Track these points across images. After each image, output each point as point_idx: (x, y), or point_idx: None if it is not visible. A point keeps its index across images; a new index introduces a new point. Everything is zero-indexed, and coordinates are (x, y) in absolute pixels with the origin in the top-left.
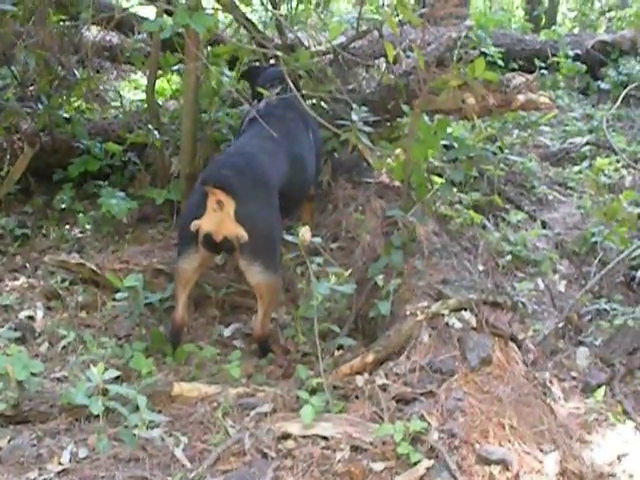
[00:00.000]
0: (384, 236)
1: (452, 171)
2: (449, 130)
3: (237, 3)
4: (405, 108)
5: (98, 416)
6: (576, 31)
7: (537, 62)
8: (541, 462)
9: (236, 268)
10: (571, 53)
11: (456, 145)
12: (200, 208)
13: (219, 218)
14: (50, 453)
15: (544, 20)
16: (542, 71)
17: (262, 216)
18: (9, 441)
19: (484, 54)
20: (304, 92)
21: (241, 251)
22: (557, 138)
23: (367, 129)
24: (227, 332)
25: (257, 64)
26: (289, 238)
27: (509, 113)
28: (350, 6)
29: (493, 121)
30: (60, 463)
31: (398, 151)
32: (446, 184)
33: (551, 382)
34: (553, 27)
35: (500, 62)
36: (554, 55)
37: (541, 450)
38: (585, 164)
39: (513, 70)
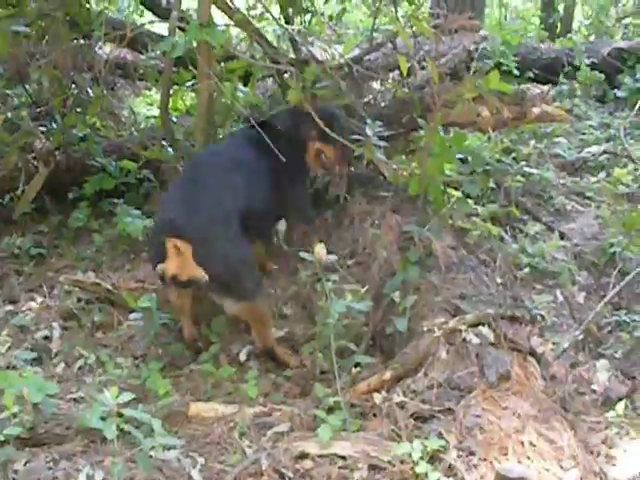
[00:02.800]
0: (400, 251)
1: (468, 184)
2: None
3: (250, 19)
4: (421, 122)
5: (112, 439)
6: (592, 38)
7: (558, 74)
8: (561, 479)
9: None
10: (587, 61)
11: (470, 158)
12: (161, 253)
13: (180, 262)
14: (66, 476)
15: (560, 28)
16: (561, 81)
17: (220, 254)
18: (25, 464)
19: (499, 64)
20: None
21: (209, 289)
22: (574, 147)
23: (382, 143)
24: (242, 356)
25: None
26: (305, 256)
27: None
28: (364, 18)
29: (509, 133)
30: None
31: (413, 165)
32: (462, 198)
33: (571, 396)
34: (569, 35)
35: (515, 71)
36: (570, 63)
37: (561, 467)
38: (603, 174)
39: (529, 79)
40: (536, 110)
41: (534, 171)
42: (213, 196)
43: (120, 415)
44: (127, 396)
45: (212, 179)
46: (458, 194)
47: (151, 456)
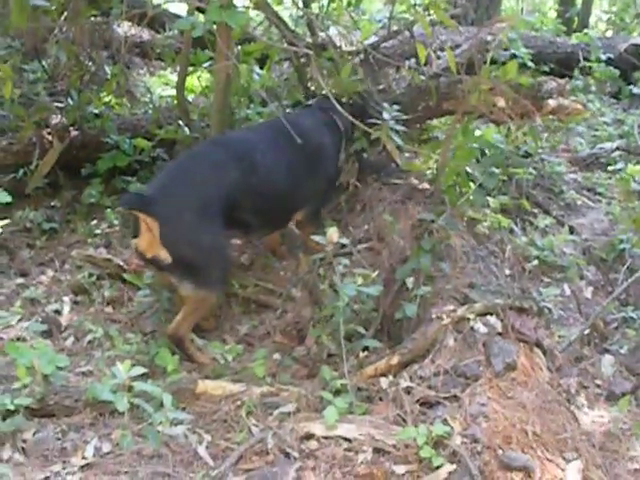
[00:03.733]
0: (413, 239)
1: (486, 177)
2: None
3: (269, 1)
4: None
5: (123, 412)
6: (609, 34)
7: (574, 69)
8: (563, 470)
9: (262, 267)
10: (603, 57)
11: (487, 150)
12: (137, 227)
13: (149, 239)
14: (74, 447)
15: (577, 22)
16: (575, 76)
17: (188, 239)
18: (34, 434)
19: (515, 56)
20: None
21: (169, 271)
22: (587, 143)
23: (399, 128)
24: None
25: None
26: (317, 239)
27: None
28: (381, 5)
29: (523, 125)
30: (84, 457)
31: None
32: (479, 189)
33: (575, 389)
34: (585, 30)
35: (531, 64)
36: (586, 58)
37: (564, 458)
38: (614, 170)
39: (544, 73)
40: (552, 103)
41: (551, 158)
42: (193, 179)
43: (130, 389)
44: (138, 370)
45: (199, 163)
46: (473, 186)
47: (158, 431)
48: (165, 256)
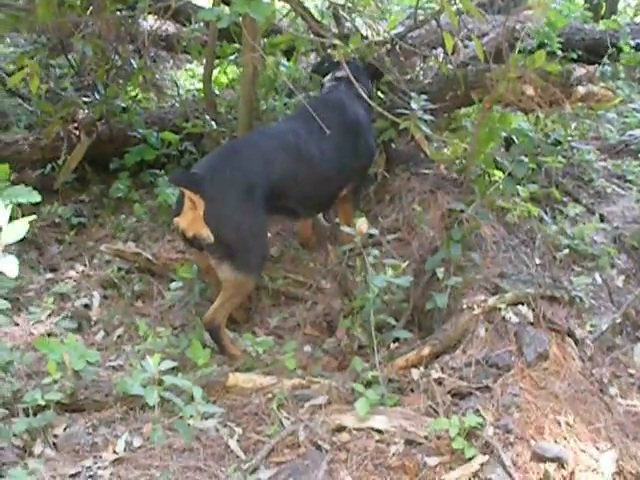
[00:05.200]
0: (443, 229)
1: (516, 165)
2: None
3: None
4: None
5: (153, 406)
6: (638, 19)
7: (602, 56)
8: (597, 460)
9: (292, 260)
10: (632, 42)
11: (515, 138)
12: (180, 206)
13: (192, 217)
14: (105, 442)
15: (604, 9)
16: (604, 63)
17: (231, 219)
18: (65, 429)
19: (543, 44)
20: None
21: (209, 250)
22: (617, 130)
23: (427, 117)
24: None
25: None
26: (346, 230)
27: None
28: None
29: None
30: (115, 452)
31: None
32: (508, 178)
33: (608, 379)
34: (613, 16)
35: (559, 52)
36: (614, 45)
37: (597, 448)
38: None
39: (572, 60)
40: (582, 90)
41: (581, 146)
42: (242, 165)
43: (160, 383)
44: (168, 364)
45: (249, 151)
46: (502, 175)
47: (189, 425)
48: (207, 234)
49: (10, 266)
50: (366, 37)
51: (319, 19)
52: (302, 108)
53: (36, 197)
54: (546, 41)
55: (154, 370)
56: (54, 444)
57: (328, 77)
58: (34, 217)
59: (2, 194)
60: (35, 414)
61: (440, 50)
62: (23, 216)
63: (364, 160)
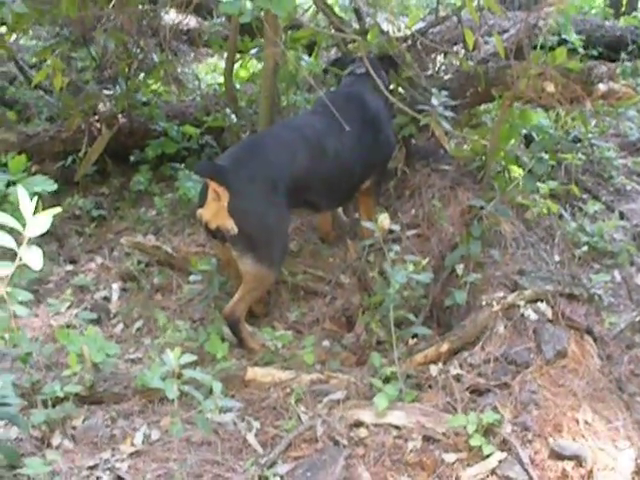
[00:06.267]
0: (462, 225)
1: (537, 162)
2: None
3: None
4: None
5: (172, 399)
6: None
7: (622, 53)
8: (615, 459)
9: (311, 254)
10: None
11: (535, 135)
12: (203, 197)
13: (216, 208)
14: (123, 434)
15: (625, 6)
16: (624, 59)
17: (256, 211)
18: (83, 421)
19: (564, 41)
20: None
21: (232, 242)
22: (637, 127)
23: (448, 114)
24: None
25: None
26: (367, 224)
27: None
28: None
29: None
30: (133, 444)
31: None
32: (528, 175)
33: (627, 377)
34: (634, 13)
35: (580, 49)
36: (634, 42)
37: (616, 447)
38: None
39: (592, 57)
40: (603, 87)
41: (602, 144)
42: (267, 157)
43: (179, 376)
44: (188, 357)
45: (273, 143)
46: (522, 172)
47: (208, 419)
48: (231, 226)
49: (34, 258)
50: (387, 32)
51: (340, 14)
52: (322, 102)
53: (52, 186)
54: (567, 37)
55: (174, 363)
56: (72, 436)
57: (347, 71)
58: (59, 209)
59: (20, 184)
60: (54, 405)
61: (461, 46)
62: (44, 209)
63: (384, 154)
